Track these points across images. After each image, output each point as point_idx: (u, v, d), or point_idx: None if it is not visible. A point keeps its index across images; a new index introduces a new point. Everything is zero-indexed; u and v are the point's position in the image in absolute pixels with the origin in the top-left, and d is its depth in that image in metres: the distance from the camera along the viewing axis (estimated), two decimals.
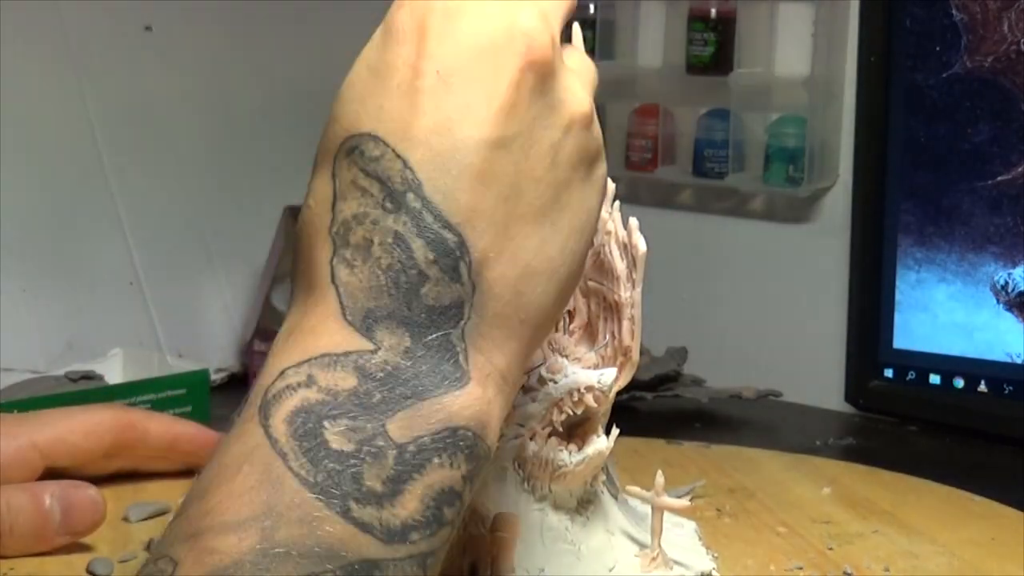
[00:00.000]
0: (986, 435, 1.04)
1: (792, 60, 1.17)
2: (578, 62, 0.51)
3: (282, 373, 0.44)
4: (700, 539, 0.69)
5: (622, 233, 0.62)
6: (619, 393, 0.62)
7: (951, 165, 1.07)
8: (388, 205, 0.45)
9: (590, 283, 0.62)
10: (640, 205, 1.26)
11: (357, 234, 0.45)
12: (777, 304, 1.22)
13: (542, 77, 0.47)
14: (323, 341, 0.44)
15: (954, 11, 1.06)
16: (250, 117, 1.24)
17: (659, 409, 1.09)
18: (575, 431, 0.60)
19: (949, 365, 1.08)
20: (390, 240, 0.44)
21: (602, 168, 0.50)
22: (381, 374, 0.44)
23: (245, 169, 1.23)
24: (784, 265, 1.21)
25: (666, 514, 0.67)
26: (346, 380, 0.43)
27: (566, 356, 0.61)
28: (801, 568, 0.71)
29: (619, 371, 0.61)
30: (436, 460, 0.43)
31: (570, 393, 0.59)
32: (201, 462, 0.58)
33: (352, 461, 0.42)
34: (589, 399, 0.59)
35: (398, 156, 0.45)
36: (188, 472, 0.78)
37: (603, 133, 0.50)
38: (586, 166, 0.49)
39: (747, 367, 1.17)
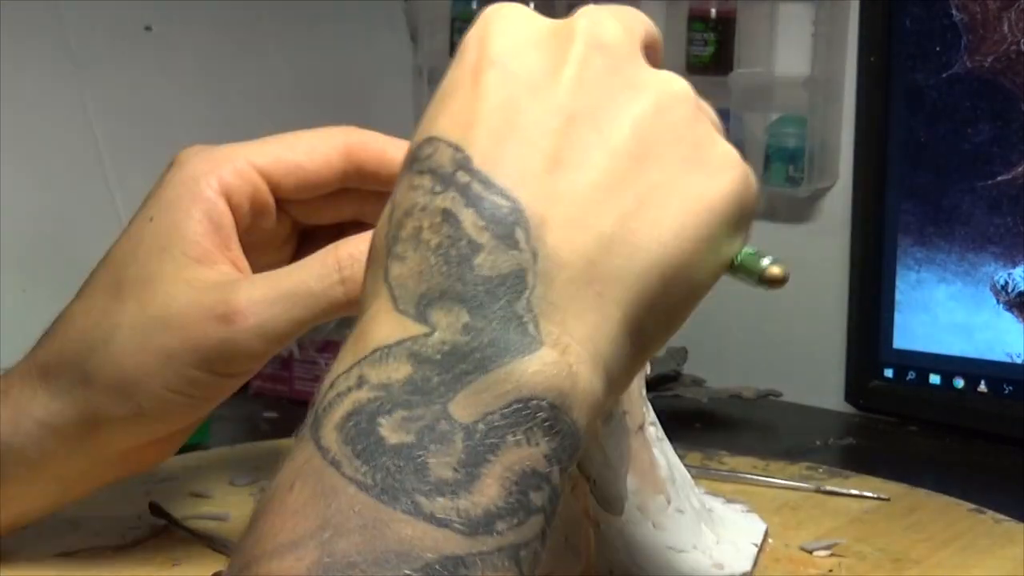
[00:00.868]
0: (986, 435, 1.04)
1: (792, 60, 1.17)
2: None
3: (332, 384, 0.41)
4: (758, 545, 0.70)
5: None
6: None
7: (951, 165, 1.07)
8: (437, 189, 0.42)
9: None
10: None
11: (407, 228, 0.42)
12: (777, 304, 1.21)
13: (613, 59, 0.45)
14: (374, 338, 0.41)
15: (954, 11, 1.06)
16: (250, 117, 1.24)
17: (659, 409, 1.08)
18: None
19: (949, 365, 1.08)
20: (438, 220, 0.41)
21: (719, 153, 0.46)
22: (439, 356, 0.40)
23: None
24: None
25: (745, 516, 0.67)
26: (399, 370, 0.40)
27: None
28: None
29: None
30: (511, 438, 0.39)
31: None
32: None
33: (414, 453, 0.38)
34: None
35: (450, 145, 0.43)
36: None
37: None
38: (690, 147, 0.45)
39: (747, 367, 1.17)
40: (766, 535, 0.72)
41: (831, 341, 1.16)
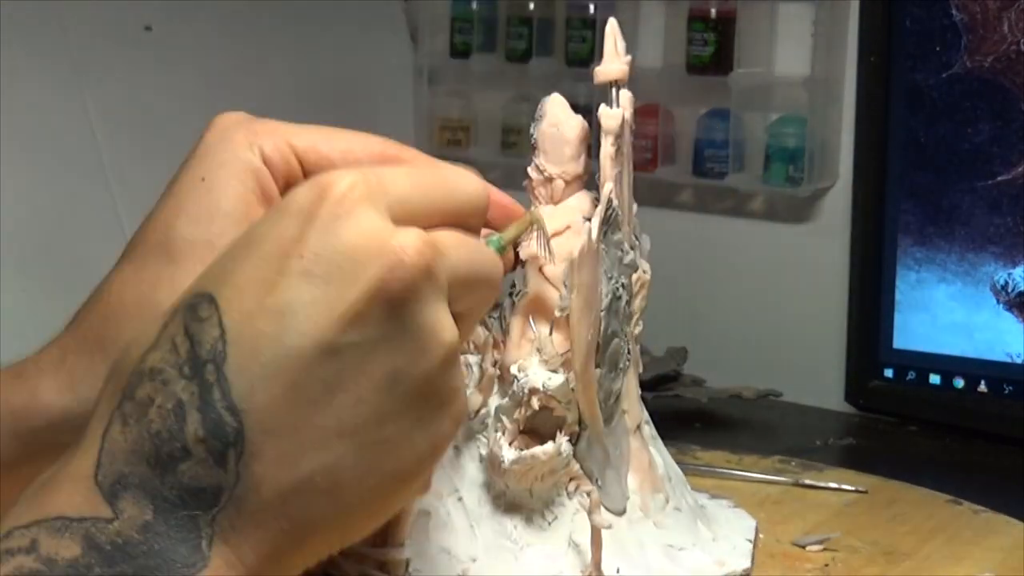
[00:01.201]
0: (986, 435, 1.04)
1: (792, 60, 1.17)
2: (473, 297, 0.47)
3: (8, 533, 0.40)
4: (752, 541, 0.69)
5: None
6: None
7: (951, 165, 1.07)
8: (186, 370, 0.42)
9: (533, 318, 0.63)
10: (640, 205, 1.25)
11: (144, 389, 0.42)
12: (777, 304, 1.22)
13: (401, 299, 0.43)
14: (63, 501, 0.41)
15: (954, 11, 1.06)
16: None
17: (659, 409, 1.08)
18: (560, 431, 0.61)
19: (949, 365, 1.08)
20: (169, 406, 0.41)
21: (446, 422, 0.45)
22: (109, 547, 0.40)
23: None
24: (784, 265, 1.21)
25: (734, 511, 0.67)
26: (70, 549, 0.40)
27: (541, 354, 0.61)
28: None
29: (571, 378, 0.61)
30: None
31: (527, 392, 0.60)
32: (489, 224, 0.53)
33: None
34: (534, 401, 0.60)
35: (220, 324, 0.42)
36: None
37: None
38: (428, 408, 0.44)
39: (747, 367, 1.17)
40: (757, 531, 0.73)
41: (831, 341, 1.16)
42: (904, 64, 1.09)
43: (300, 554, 0.44)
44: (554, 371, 0.60)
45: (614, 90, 0.68)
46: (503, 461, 0.60)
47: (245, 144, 0.57)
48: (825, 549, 0.74)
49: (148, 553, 0.40)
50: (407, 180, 0.46)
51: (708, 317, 1.24)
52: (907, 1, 1.08)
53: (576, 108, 1.38)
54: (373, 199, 0.44)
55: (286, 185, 0.58)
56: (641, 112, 1.27)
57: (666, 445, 0.70)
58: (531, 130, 0.66)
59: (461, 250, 0.45)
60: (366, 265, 0.43)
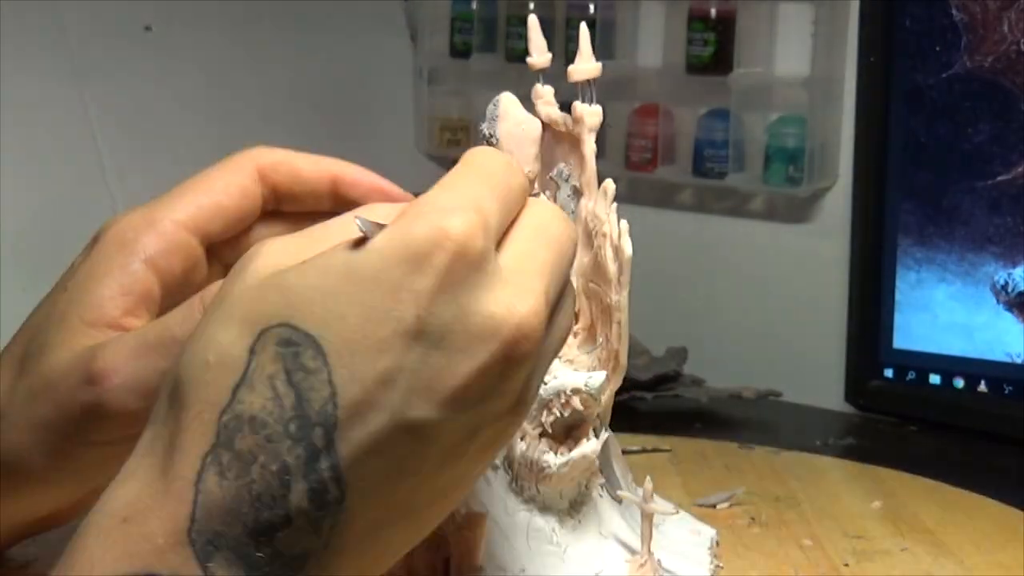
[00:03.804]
0: (986, 435, 1.04)
1: (792, 60, 1.17)
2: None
3: None
4: (712, 548, 0.69)
5: (615, 235, 0.62)
6: (619, 393, 0.62)
7: (951, 165, 1.07)
8: (292, 429, 0.39)
9: (591, 285, 0.62)
10: (640, 205, 1.26)
11: (246, 441, 0.39)
12: (777, 304, 1.22)
13: (512, 371, 0.41)
14: (153, 553, 0.39)
15: (954, 11, 1.06)
16: (250, 117, 1.24)
17: (659, 409, 1.09)
18: (571, 433, 0.61)
19: (949, 365, 1.08)
20: (274, 468, 0.39)
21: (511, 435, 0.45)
22: None
23: None
24: (784, 265, 1.21)
25: (685, 519, 0.67)
26: None
27: (560, 358, 0.61)
28: None
29: (610, 375, 0.60)
30: None
31: (558, 395, 0.59)
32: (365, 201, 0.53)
33: None
34: (576, 402, 0.59)
35: (331, 383, 0.39)
36: None
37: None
38: (503, 443, 0.45)
39: (747, 367, 1.17)
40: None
41: (831, 341, 1.16)
42: (904, 64, 1.09)
43: None
44: (580, 369, 0.60)
45: (591, 88, 0.67)
46: (550, 467, 0.59)
47: (122, 245, 0.57)
48: (732, 505, 0.79)
49: None
50: (493, 201, 0.43)
51: (708, 317, 1.24)
52: (907, 1, 1.08)
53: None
54: (488, 243, 0.41)
55: (184, 265, 0.56)
56: (641, 112, 1.28)
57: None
58: (484, 130, 0.63)
59: (568, 302, 0.45)
60: (489, 340, 0.41)
